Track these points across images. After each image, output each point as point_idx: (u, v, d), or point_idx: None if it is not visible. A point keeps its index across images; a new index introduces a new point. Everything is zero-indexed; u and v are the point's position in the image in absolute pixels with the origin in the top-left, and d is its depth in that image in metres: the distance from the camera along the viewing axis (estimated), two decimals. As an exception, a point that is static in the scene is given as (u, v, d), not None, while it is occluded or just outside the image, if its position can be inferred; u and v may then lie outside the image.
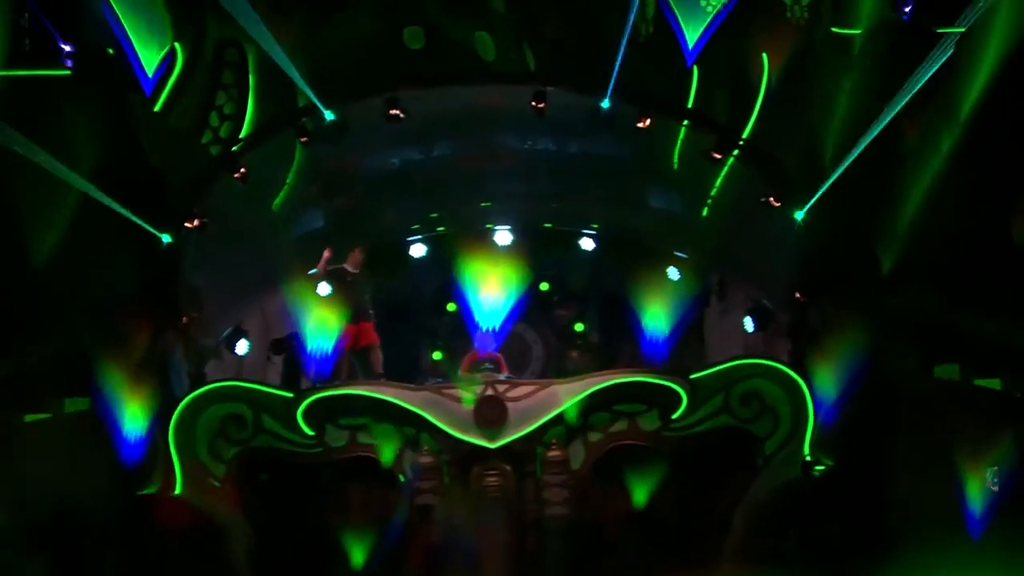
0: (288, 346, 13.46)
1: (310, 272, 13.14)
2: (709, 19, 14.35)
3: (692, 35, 14.17)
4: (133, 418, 11.00)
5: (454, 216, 14.95)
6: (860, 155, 11.08)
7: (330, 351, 12.10)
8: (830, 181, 11.49)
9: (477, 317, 11.99)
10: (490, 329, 11.88)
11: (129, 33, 12.41)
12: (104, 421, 11.00)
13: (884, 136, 10.95)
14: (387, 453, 11.72)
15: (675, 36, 14.24)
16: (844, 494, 11.31)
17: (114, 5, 13.34)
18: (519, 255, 12.16)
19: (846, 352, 11.05)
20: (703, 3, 14.67)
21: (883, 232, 11.64)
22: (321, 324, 12.12)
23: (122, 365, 11.04)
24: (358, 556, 11.62)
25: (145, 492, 11.39)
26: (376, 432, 11.82)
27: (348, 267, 13.19)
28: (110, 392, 10.95)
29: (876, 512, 11.05)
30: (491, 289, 11.89)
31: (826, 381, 11.24)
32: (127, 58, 13.56)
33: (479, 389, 11.77)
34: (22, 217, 11.26)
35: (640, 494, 11.73)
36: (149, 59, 13.13)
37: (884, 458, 11.12)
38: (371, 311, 13.42)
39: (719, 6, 14.56)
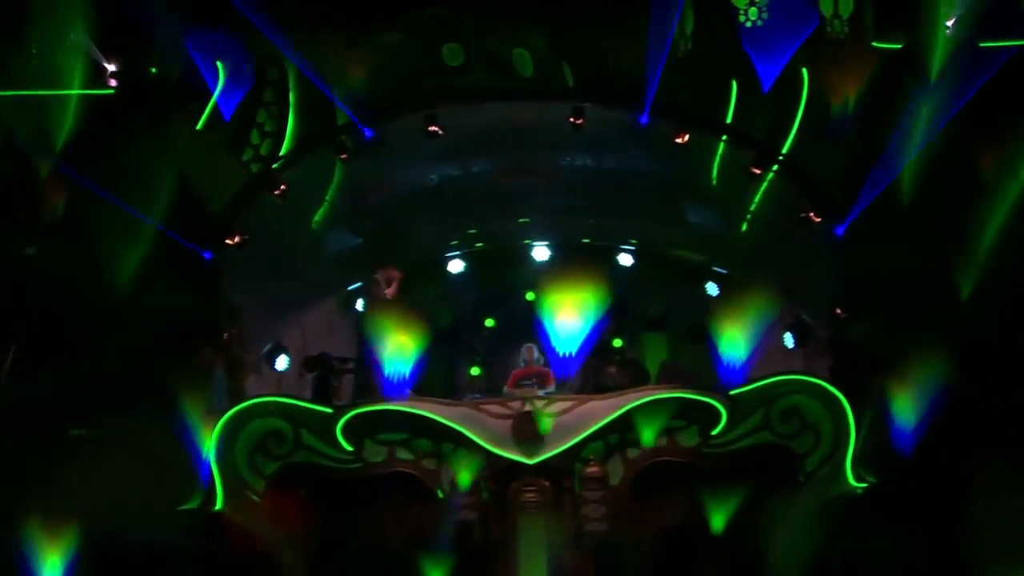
0: (320, 364, 13.51)
1: (383, 292, 13.06)
2: (771, 39, 14.15)
3: (768, 62, 13.97)
4: (180, 434, 11.10)
5: (492, 232, 14.99)
6: (913, 174, 11.02)
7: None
8: (873, 196, 11.43)
9: (554, 342, 11.82)
10: (568, 354, 11.73)
11: (203, 56, 12.55)
12: (153, 436, 11.12)
13: (939, 156, 10.89)
14: (464, 477, 11.70)
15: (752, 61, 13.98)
16: (893, 512, 11.21)
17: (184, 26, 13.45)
18: (599, 277, 11.92)
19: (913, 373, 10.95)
20: (741, 18, 14.61)
21: (959, 259, 11.54)
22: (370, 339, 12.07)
23: (168, 381, 11.15)
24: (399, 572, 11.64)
25: (187, 507, 11.49)
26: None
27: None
28: (158, 409, 11.07)
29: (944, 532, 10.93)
30: (568, 312, 11.72)
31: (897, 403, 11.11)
32: (172, 77, 13.73)
33: (516, 405, 11.78)
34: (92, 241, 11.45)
35: (679, 511, 11.68)
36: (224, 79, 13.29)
37: (947, 476, 11.00)
38: None
39: (755, 18, 14.49)
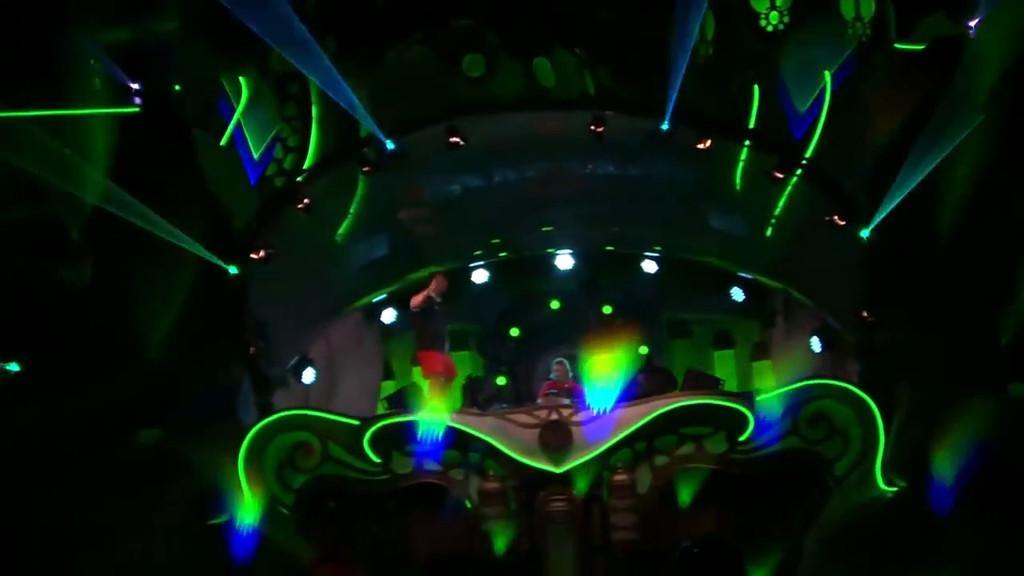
0: None
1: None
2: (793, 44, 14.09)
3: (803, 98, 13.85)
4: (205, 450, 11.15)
5: (515, 241, 14.99)
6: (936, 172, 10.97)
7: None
8: (897, 200, 11.36)
9: (589, 398, 11.73)
10: (603, 410, 11.68)
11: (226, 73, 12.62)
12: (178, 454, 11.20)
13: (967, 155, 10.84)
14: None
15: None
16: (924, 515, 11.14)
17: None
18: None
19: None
20: (762, 22, 14.56)
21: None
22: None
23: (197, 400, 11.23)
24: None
25: (216, 522, 11.53)
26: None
27: (432, 294, 13.05)
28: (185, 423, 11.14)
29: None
30: (604, 371, 11.68)
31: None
32: (193, 95, 13.84)
33: (543, 414, 11.76)
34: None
35: (709, 518, 11.62)
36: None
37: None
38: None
39: (776, 22, 14.46)
